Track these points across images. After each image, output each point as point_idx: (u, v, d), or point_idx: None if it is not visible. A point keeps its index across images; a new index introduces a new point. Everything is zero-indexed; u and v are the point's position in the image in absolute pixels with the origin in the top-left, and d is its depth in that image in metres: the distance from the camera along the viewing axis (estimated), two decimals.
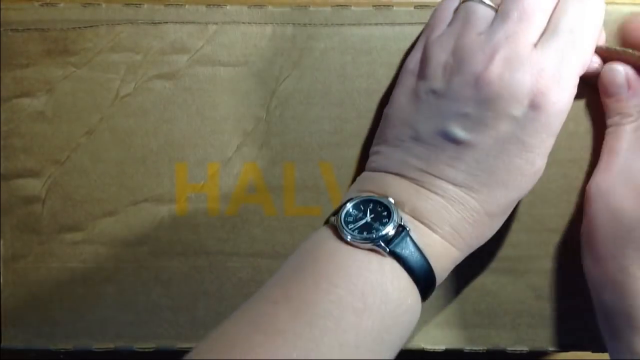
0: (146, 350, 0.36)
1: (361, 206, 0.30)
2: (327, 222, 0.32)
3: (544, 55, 0.29)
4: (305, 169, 0.36)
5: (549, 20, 0.30)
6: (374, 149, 0.33)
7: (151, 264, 0.36)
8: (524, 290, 0.36)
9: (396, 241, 0.29)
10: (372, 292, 0.28)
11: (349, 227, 0.29)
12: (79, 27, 0.35)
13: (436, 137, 0.30)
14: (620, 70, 0.32)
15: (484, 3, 0.31)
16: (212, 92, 0.36)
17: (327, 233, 0.30)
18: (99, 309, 0.36)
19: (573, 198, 0.35)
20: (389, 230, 0.29)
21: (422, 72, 0.31)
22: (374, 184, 0.31)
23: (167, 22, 0.35)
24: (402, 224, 0.29)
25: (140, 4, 0.35)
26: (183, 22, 0.35)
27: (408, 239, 0.29)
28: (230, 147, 0.36)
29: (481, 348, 0.36)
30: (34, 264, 0.36)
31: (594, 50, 0.31)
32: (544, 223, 0.36)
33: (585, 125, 0.35)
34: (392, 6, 0.35)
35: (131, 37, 0.35)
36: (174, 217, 0.36)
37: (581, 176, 0.35)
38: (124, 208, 0.36)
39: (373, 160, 0.33)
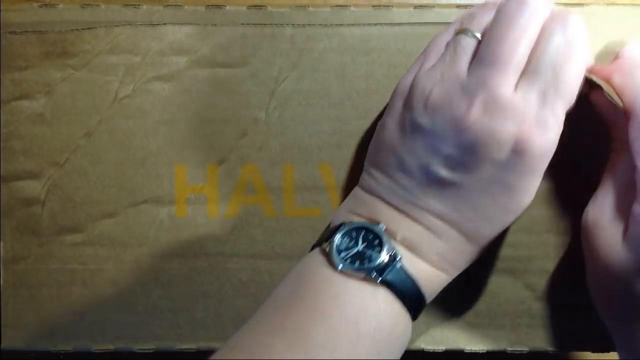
0: (146, 351, 0.36)
1: (353, 233, 0.30)
2: (319, 243, 0.32)
3: (525, 99, 0.28)
4: (304, 170, 0.36)
5: (529, 59, 0.29)
6: (367, 167, 0.33)
7: (151, 266, 0.36)
8: (523, 290, 0.36)
9: (388, 270, 0.29)
10: (365, 321, 0.28)
11: (342, 256, 0.30)
12: (77, 29, 0.35)
13: (421, 173, 0.30)
14: (606, 97, 0.31)
15: (475, 37, 0.30)
16: (211, 94, 0.36)
17: (320, 260, 0.30)
18: (99, 310, 0.36)
19: (572, 199, 0.35)
20: (382, 259, 0.29)
21: (409, 102, 0.31)
22: (366, 207, 0.31)
23: (165, 24, 0.35)
24: (394, 253, 0.30)
25: (138, 5, 0.35)
26: (182, 24, 0.35)
27: (400, 267, 0.30)
28: (229, 149, 0.36)
29: (481, 349, 0.36)
30: (33, 265, 0.36)
31: (579, 85, 0.29)
32: (543, 224, 0.35)
33: (587, 130, 0.35)
34: (392, 6, 0.35)
35: (129, 38, 0.35)
36: (174, 219, 0.36)
37: (581, 178, 0.35)
38: (123, 209, 0.36)
39: (365, 180, 0.32)
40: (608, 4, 0.35)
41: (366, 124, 0.35)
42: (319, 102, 0.36)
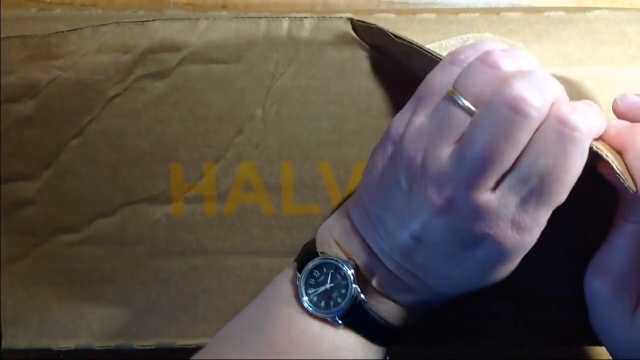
0: (147, 348, 0.37)
1: (324, 268, 0.31)
2: (298, 259, 0.32)
3: (503, 202, 0.26)
4: (303, 168, 0.35)
5: (517, 159, 0.26)
6: (359, 191, 0.31)
7: (149, 264, 0.36)
8: (523, 290, 0.36)
9: (352, 314, 0.30)
10: None
11: (309, 292, 0.30)
12: (62, 32, 0.33)
13: (398, 232, 0.29)
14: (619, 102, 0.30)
15: (466, 109, 0.26)
16: (205, 91, 0.35)
17: (288, 292, 0.31)
18: (99, 308, 0.36)
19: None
20: (345, 305, 0.30)
21: (396, 155, 0.29)
22: (345, 240, 0.31)
23: (154, 20, 0.34)
24: (359, 299, 0.30)
25: (137, 10, 0.34)
26: (172, 19, 0.34)
27: (364, 311, 0.30)
28: (225, 146, 0.35)
29: (479, 347, 0.36)
30: (31, 265, 0.36)
31: (568, 191, 0.26)
32: None
33: None
34: (391, 13, 0.34)
35: (117, 37, 0.34)
36: (171, 217, 0.36)
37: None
38: (118, 209, 0.36)
39: (353, 206, 0.31)
40: (610, 9, 0.33)
41: (366, 121, 0.34)
42: (318, 99, 0.34)
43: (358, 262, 0.30)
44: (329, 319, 0.30)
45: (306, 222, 0.36)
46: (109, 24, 0.33)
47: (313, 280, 0.30)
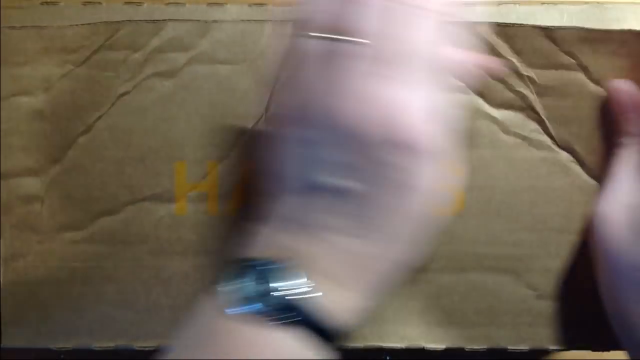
0: (146, 349, 0.36)
1: (253, 274, 0.27)
2: (226, 276, 0.29)
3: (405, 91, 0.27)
4: None
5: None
6: (266, 196, 0.30)
7: (151, 263, 0.36)
8: (524, 289, 0.36)
9: (291, 308, 0.27)
10: None
11: (243, 298, 0.27)
12: (77, 25, 0.35)
13: (309, 189, 0.28)
14: (624, 90, 0.32)
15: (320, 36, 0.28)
16: (211, 91, 0.35)
17: (219, 303, 0.28)
18: (99, 308, 0.36)
19: (575, 197, 0.35)
20: (284, 298, 0.27)
21: (286, 116, 0.29)
22: (263, 241, 0.29)
23: (166, 20, 0.35)
24: (297, 289, 0.27)
25: (141, 3, 0.35)
26: (182, 20, 0.35)
27: (305, 302, 0.27)
28: (229, 146, 0.36)
29: (482, 347, 0.36)
30: (33, 263, 0.36)
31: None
32: (545, 222, 0.35)
33: (587, 126, 0.35)
34: None
35: (130, 35, 0.35)
36: (174, 217, 0.36)
37: (583, 175, 0.35)
38: (123, 207, 0.36)
39: (267, 210, 0.30)
40: (609, 2, 0.35)
41: None
42: None
43: (288, 255, 0.28)
44: (267, 318, 0.27)
45: None
46: (122, 21, 0.35)
47: (246, 287, 0.27)
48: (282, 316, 0.27)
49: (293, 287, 0.27)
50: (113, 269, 0.36)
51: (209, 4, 0.35)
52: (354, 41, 0.27)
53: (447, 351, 0.36)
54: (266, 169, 0.30)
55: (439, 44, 0.28)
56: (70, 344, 0.36)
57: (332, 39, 0.28)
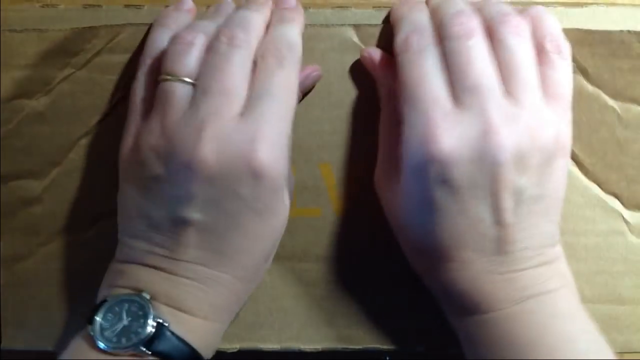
0: None
1: (116, 308, 0.29)
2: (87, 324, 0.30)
3: (250, 124, 0.29)
4: (305, 170, 0.36)
5: (250, 84, 0.30)
6: (120, 238, 0.32)
7: None
8: None
9: (157, 340, 0.28)
10: None
11: (106, 336, 0.28)
12: (77, 28, 0.35)
13: (171, 223, 0.29)
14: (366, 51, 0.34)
15: (182, 81, 0.30)
16: None
17: (85, 346, 0.29)
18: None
19: (573, 198, 0.36)
20: (148, 331, 0.28)
21: (138, 160, 0.30)
22: (126, 278, 0.30)
23: None
24: (160, 320, 0.29)
25: (140, 6, 0.35)
26: None
27: (168, 334, 0.29)
28: None
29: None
30: (34, 265, 0.37)
31: (296, 98, 0.31)
32: None
33: (586, 129, 0.35)
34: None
35: (130, 38, 0.35)
36: None
37: (581, 177, 0.35)
38: None
39: (122, 251, 0.32)
40: (608, 4, 0.35)
41: (367, 124, 0.35)
42: (320, 102, 0.35)
43: (150, 290, 0.29)
44: (134, 352, 0.28)
45: (307, 225, 0.36)
46: (123, 24, 0.35)
47: (108, 324, 0.29)
48: (147, 342, 0.28)
49: (152, 319, 0.28)
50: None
51: (208, 7, 0.35)
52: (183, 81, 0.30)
53: (445, 352, 0.36)
54: (133, 213, 0.31)
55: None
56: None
57: (163, 80, 0.30)
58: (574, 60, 0.34)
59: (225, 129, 0.29)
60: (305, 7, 0.35)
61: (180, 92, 0.30)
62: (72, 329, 0.36)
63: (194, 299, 0.30)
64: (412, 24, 0.32)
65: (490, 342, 0.30)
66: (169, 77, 0.30)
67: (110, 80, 0.35)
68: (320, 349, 0.36)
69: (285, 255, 0.36)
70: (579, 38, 0.34)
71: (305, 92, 0.35)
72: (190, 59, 0.30)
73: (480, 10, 0.32)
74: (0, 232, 0.36)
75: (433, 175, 0.29)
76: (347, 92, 0.35)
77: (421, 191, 0.30)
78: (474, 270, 0.30)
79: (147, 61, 0.32)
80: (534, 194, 0.29)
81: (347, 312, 0.36)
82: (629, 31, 0.34)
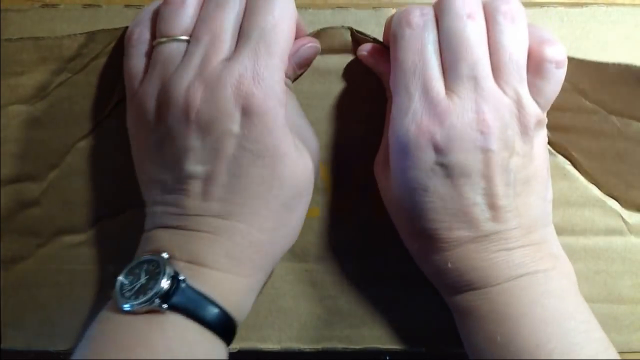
0: None
1: (136, 270, 0.29)
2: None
3: (238, 62, 0.29)
4: None
5: (242, 25, 0.30)
6: (146, 210, 0.32)
7: None
8: None
9: (174, 294, 0.28)
10: (155, 353, 0.27)
11: (125, 295, 0.28)
12: (74, 34, 0.35)
13: (177, 181, 0.30)
14: (363, 48, 0.34)
15: (176, 39, 0.30)
16: None
17: (109, 306, 0.29)
18: (99, 311, 0.36)
19: (572, 199, 0.36)
20: (162, 285, 0.28)
21: (140, 123, 0.31)
22: (150, 243, 0.30)
23: None
24: (175, 274, 0.28)
25: (140, 6, 0.34)
26: None
27: (184, 286, 0.28)
28: None
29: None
30: (33, 266, 0.37)
31: (289, 40, 0.30)
32: None
33: (586, 135, 0.35)
34: (392, 8, 0.35)
35: None
36: None
37: (581, 178, 0.35)
38: (121, 211, 0.36)
39: (147, 222, 0.32)
40: (608, 4, 0.34)
41: (367, 125, 0.35)
42: (320, 103, 0.35)
43: (168, 248, 0.29)
44: (150, 306, 0.28)
45: (306, 225, 0.35)
46: (120, 28, 0.34)
47: (127, 285, 0.29)
48: (163, 298, 0.28)
49: (167, 275, 0.28)
50: (112, 272, 0.36)
51: None
52: (216, 31, 0.30)
53: (445, 351, 0.36)
54: (142, 176, 0.32)
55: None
56: (69, 346, 0.37)
57: (158, 43, 0.31)
58: (571, 83, 0.34)
59: (213, 73, 0.29)
60: (305, 8, 0.35)
61: (175, 50, 0.30)
62: (72, 329, 0.37)
63: (209, 250, 0.29)
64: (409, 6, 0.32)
65: (482, 315, 0.30)
66: (163, 40, 0.30)
67: (107, 83, 0.35)
68: (320, 349, 0.36)
69: (284, 255, 0.35)
70: (578, 67, 0.34)
71: (301, 67, 0.34)
72: (184, 18, 0.30)
73: None
74: (0, 234, 0.36)
75: (424, 162, 0.29)
76: (347, 93, 0.35)
77: (412, 177, 0.30)
78: (467, 249, 0.30)
79: (136, 30, 0.32)
80: (522, 174, 0.30)
81: (347, 312, 0.36)
82: (627, 66, 0.34)
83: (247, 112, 0.29)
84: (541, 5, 0.35)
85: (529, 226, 0.31)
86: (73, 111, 0.35)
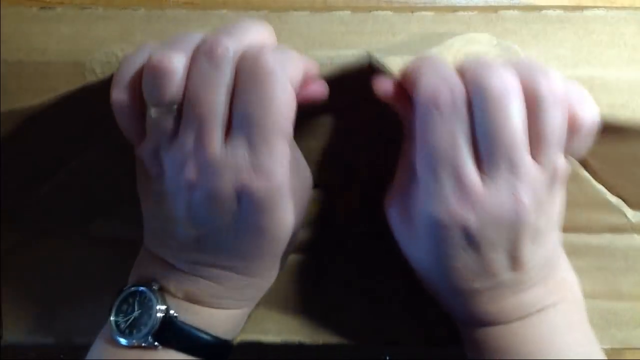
0: None
1: (129, 300, 0.30)
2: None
3: (234, 152, 0.27)
4: None
5: (231, 110, 0.28)
6: (145, 230, 0.32)
7: None
8: None
9: (167, 332, 0.29)
10: None
11: (120, 326, 0.30)
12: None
13: (179, 235, 0.30)
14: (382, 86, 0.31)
15: (166, 110, 0.28)
16: None
17: (105, 334, 0.31)
18: (100, 305, 0.36)
19: (582, 200, 0.35)
20: (155, 321, 0.29)
21: (143, 172, 0.31)
22: (144, 267, 0.32)
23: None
24: (168, 315, 0.29)
25: (137, 8, 0.34)
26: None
27: (177, 322, 0.30)
28: None
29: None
30: (34, 262, 0.37)
31: (288, 110, 0.28)
32: None
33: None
34: (390, 11, 0.34)
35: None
36: None
37: (591, 180, 0.35)
38: (121, 209, 0.36)
39: (144, 238, 0.32)
40: (608, 8, 0.34)
41: (367, 132, 0.35)
42: (321, 104, 0.35)
43: (163, 282, 0.30)
44: (144, 344, 0.29)
45: (306, 225, 0.36)
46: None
47: (122, 314, 0.30)
48: (155, 334, 0.29)
49: (159, 311, 0.29)
50: (115, 269, 0.36)
51: (204, 10, 0.34)
52: (204, 116, 0.28)
53: (445, 351, 0.36)
54: (151, 215, 0.31)
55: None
56: (70, 342, 0.37)
57: (149, 115, 0.29)
58: None
59: (210, 162, 0.28)
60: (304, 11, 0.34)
61: (166, 121, 0.28)
62: (72, 323, 0.37)
63: (202, 293, 0.30)
64: (438, 72, 0.28)
65: (494, 352, 0.31)
66: (152, 112, 0.29)
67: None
68: (320, 343, 0.37)
69: None
70: None
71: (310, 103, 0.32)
72: (170, 88, 0.28)
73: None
74: (1, 230, 0.36)
75: (452, 239, 0.28)
76: (347, 103, 0.34)
77: (438, 247, 0.29)
78: (483, 295, 0.30)
79: (120, 97, 0.29)
80: (544, 224, 0.29)
81: (347, 310, 0.36)
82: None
83: (246, 198, 0.28)
84: (540, 8, 0.34)
85: (543, 265, 0.30)
86: (78, 110, 0.34)
